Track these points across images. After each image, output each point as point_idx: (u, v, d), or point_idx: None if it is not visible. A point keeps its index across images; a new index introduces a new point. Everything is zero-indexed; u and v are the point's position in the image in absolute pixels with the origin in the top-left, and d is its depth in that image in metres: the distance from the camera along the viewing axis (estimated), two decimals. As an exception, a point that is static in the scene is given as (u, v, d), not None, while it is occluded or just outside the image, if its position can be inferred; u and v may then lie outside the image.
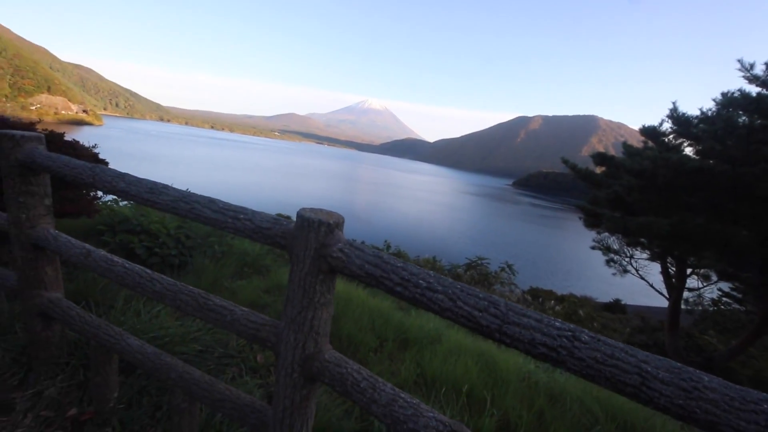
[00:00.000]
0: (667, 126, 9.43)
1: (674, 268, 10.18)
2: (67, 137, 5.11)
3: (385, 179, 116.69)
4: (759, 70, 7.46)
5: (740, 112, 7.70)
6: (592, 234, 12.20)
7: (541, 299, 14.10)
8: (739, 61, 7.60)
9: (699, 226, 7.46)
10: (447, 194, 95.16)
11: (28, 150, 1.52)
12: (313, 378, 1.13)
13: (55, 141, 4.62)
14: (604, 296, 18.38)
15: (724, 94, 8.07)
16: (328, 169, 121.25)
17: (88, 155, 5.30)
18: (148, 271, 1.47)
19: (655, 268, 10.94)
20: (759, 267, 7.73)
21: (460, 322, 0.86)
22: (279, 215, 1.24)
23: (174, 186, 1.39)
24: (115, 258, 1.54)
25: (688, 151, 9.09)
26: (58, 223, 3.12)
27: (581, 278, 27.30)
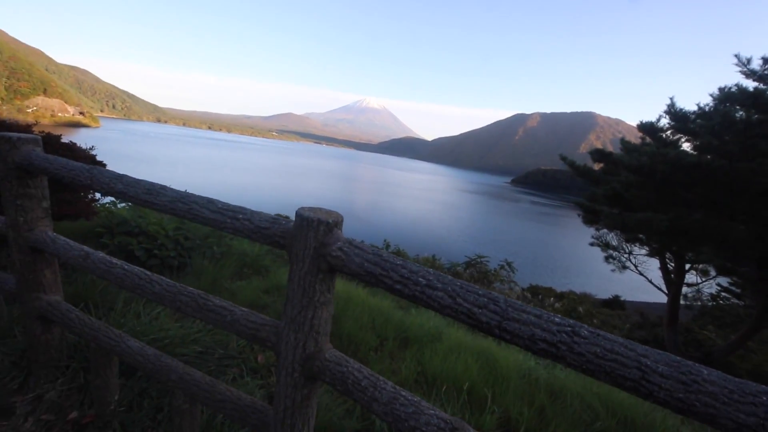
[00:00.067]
0: (665, 122, 9.47)
1: (673, 264, 10.22)
2: (64, 139, 5.10)
3: (383, 178, 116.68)
4: (756, 64, 7.49)
5: (737, 107, 7.72)
6: (591, 231, 12.23)
7: (540, 296, 14.12)
8: (736, 56, 7.62)
9: (697, 221, 7.49)
10: (446, 193, 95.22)
11: (25, 152, 1.51)
12: (314, 377, 1.13)
13: (52, 143, 4.61)
14: (604, 293, 18.43)
15: (721, 89, 8.10)
16: (327, 169, 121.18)
17: (86, 157, 5.29)
18: (148, 272, 1.46)
19: (654, 263, 10.97)
20: (757, 262, 7.76)
21: (460, 319, 0.86)
22: (278, 215, 1.24)
23: (172, 187, 1.39)
24: (114, 260, 1.54)
25: (686, 146, 9.12)
26: (57, 225, 3.11)
27: (580, 275, 27.37)
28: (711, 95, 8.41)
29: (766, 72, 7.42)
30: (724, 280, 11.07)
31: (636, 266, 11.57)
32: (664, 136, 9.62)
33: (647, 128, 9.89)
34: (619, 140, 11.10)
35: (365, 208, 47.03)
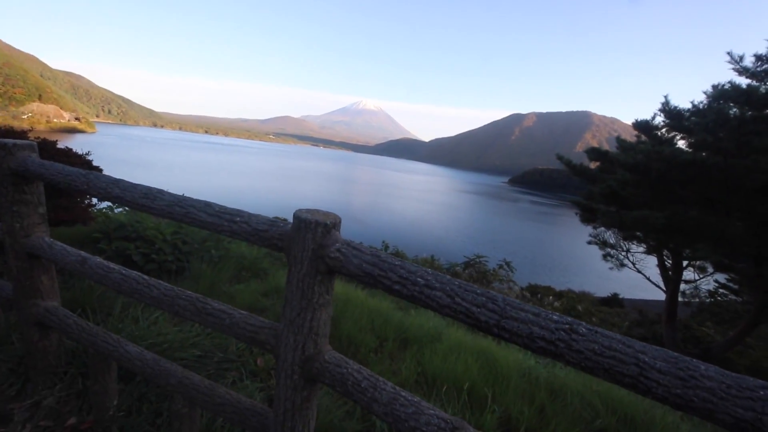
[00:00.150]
0: (660, 120, 9.53)
1: (670, 261, 10.27)
2: (60, 145, 5.09)
3: (381, 180, 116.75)
4: (748, 62, 7.56)
5: (731, 104, 7.79)
6: (589, 229, 12.27)
7: (539, 295, 14.15)
8: (729, 53, 7.69)
9: (693, 218, 7.54)
10: (444, 193, 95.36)
11: (20, 158, 1.51)
12: (314, 379, 1.13)
13: (47, 149, 4.60)
14: (602, 291, 18.49)
15: (715, 87, 8.16)
16: (324, 171, 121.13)
17: (82, 162, 5.28)
18: (145, 277, 1.46)
19: (652, 261, 11.02)
20: (753, 258, 7.81)
21: (458, 319, 0.86)
22: (276, 218, 1.24)
23: (169, 191, 1.39)
24: (112, 265, 1.53)
25: (681, 144, 9.19)
26: (53, 231, 3.09)
27: (579, 273, 27.45)
28: (705, 93, 8.48)
29: (758, 69, 7.49)
30: (721, 277, 11.13)
31: (634, 264, 11.62)
32: (659, 134, 9.69)
33: (642, 126, 9.96)
34: (615, 139, 11.16)
35: (363, 209, 47.03)
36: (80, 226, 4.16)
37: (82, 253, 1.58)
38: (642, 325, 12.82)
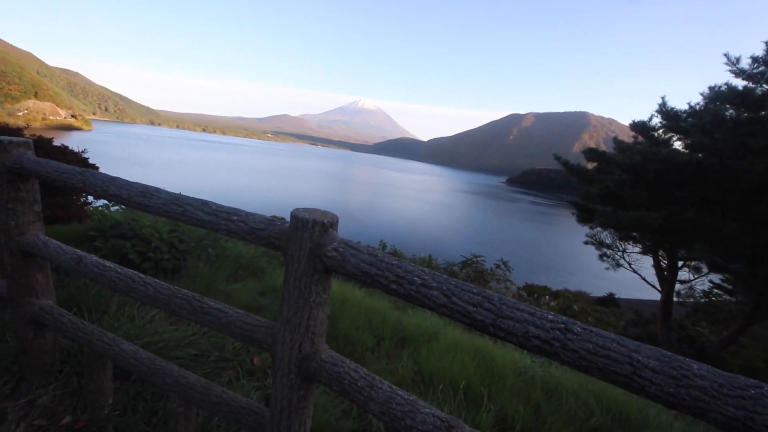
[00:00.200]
0: (657, 121, 9.58)
1: (666, 261, 10.34)
2: (56, 142, 5.06)
3: (379, 179, 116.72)
4: (745, 63, 7.61)
5: (727, 106, 7.84)
6: (586, 229, 12.33)
7: (536, 295, 14.21)
8: (725, 55, 7.74)
9: (689, 219, 7.59)
10: (442, 193, 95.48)
11: (16, 156, 1.50)
12: (310, 378, 1.13)
13: (43, 146, 4.56)
14: (598, 291, 18.60)
15: (711, 88, 8.21)
16: (322, 170, 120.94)
17: (78, 160, 5.25)
18: (141, 275, 1.45)
19: (648, 261, 11.09)
20: (748, 258, 7.87)
21: (455, 318, 0.86)
22: (273, 217, 1.24)
23: (166, 189, 1.38)
24: (108, 263, 1.52)
25: (678, 145, 9.23)
26: (49, 229, 3.07)
27: (575, 273, 27.59)
28: (702, 94, 8.53)
29: (755, 71, 7.54)
30: (716, 277, 11.21)
31: (630, 264, 11.69)
32: (656, 135, 9.74)
33: (639, 127, 10.00)
34: (612, 139, 11.21)
35: (361, 209, 47.02)
36: (76, 224, 4.13)
37: (78, 251, 1.58)
38: (637, 324, 12.91)
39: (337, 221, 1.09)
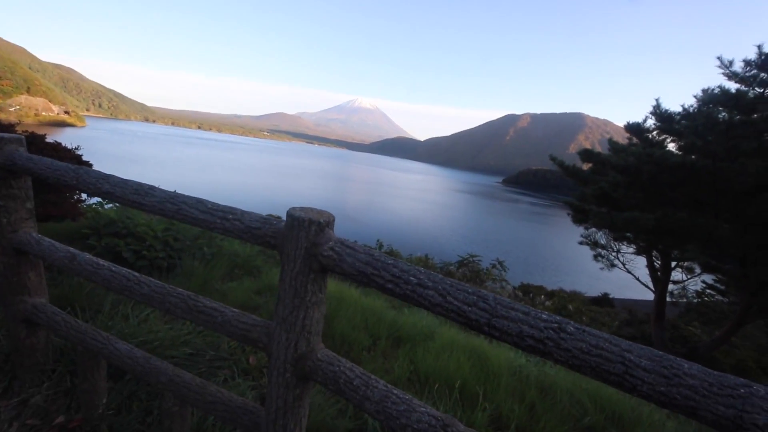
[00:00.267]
0: (651, 122, 9.66)
1: (659, 262, 10.44)
2: (49, 139, 5.00)
3: (376, 178, 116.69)
4: (737, 67, 7.70)
5: (720, 108, 7.93)
6: (580, 229, 12.41)
7: (531, 295, 14.29)
8: (718, 58, 7.83)
9: (682, 220, 7.66)
10: (438, 192, 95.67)
11: (8, 152, 1.48)
12: (306, 377, 1.13)
13: (36, 143, 4.51)
14: (593, 290, 18.74)
15: (704, 91, 8.31)
16: (319, 169, 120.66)
17: (71, 157, 5.19)
18: (136, 274, 1.44)
19: (641, 261, 11.19)
20: (740, 259, 7.98)
21: (450, 317, 0.87)
22: (269, 215, 1.23)
23: (161, 187, 1.37)
24: (101, 261, 1.51)
25: (671, 146, 9.32)
26: (42, 226, 3.04)
27: (570, 273, 27.78)
28: (695, 97, 8.62)
29: (747, 74, 7.63)
30: (708, 278, 11.35)
31: (624, 264, 11.79)
32: (650, 136, 9.82)
33: (634, 129, 10.08)
34: (607, 140, 11.29)
35: (358, 208, 46.98)
36: (69, 221, 4.09)
37: (71, 249, 1.56)
38: (631, 324, 13.04)
39: (334, 220, 1.09)
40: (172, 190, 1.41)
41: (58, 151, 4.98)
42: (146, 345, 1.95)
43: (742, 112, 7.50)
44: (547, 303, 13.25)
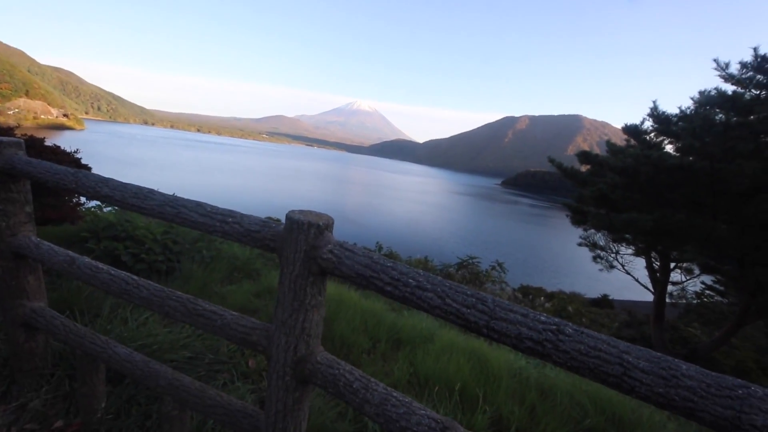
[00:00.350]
0: (648, 124, 9.69)
1: (658, 263, 10.45)
2: (48, 142, 5.00)
3: (375, 180, 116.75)
4: (734, 69, 7.75)
5: (717, 110, 7.97)
6: (579, 231, 12.43)
7: (531, 296, 14.28)
8: (715, 60, 7.88)
9: (680, 221, 7.68)
10: (438, 194, 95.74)
11: (7, 156, 1.48)
12: (306, 380, 1.13)
13: (35, 146, 4.51)
14: (593, 292, 18.72)
15: (701, 93, 8.35)
16: (318, 171, 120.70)
17: (70, 160, 5.19)
18: (135, 277, 1.44)
19: (640, 263, 11.20)
20: (738, 260, 7.99)
21: (449, 320, 0.87)
22: (269, 218, 1.24)
23: (160, 190, 1.38)
24: (101, 265, 1.51)
25: (669, 148, 9.35)
26: (40, 230, 3.04)
27: (570, 275, 27.77)
28: (692, 98, 8.66)
29: (743, 76, 7.68)
30: (708, 279, 11.36)
31: (623, 265, 11.80)
32: (647, 138, 9.85)
33: (632, 131, 10.11)
34: (605, 142, 11.32)
35: (357, 210, 46.97)
36: (68, 225, 4.09)
37: (70, 252, 1.56)
38: (631, 325, 13.03)
39: (333, 223, 1.09)
40: (171, 194, 1.41)
41: (57, 154, 4.98)
42: (145, 348, 1.95)
43: (738, 113, 7.54)
44: (547, 305, 13.24)
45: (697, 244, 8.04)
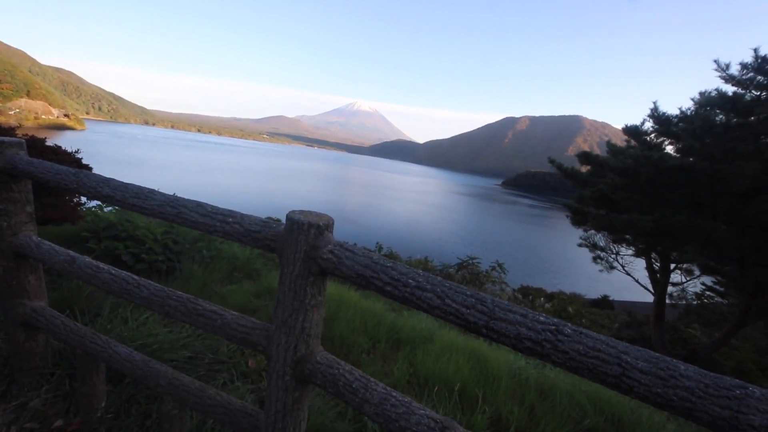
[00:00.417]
0: (649, 125, 9.69)
1: (658, 264, 10.45)
2: (49, 142, 5.01)
3: (376, 181, 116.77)
4: (734, 70, 7.75)
5: (717, 111, 7.97)
6: (580, 232, 12.42)
7: (531, 297, 14.28)
8: (715, 61, 7.88)
9: (680, 222, 7.68)
10: (438, 195, 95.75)
11: (8, 156, 1.49)
12: (305, 380, 1.14)
13: (36, 146, 4.52)
14: (593, 293, 18.71)
15: (701, 94, 8.35)
16: (318, 172, 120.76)
17: (71, 160, 5.20)
18: (135, 277, 1.45)
19: (640, 263, 11.19)
20: (738, 261, 7.99)
21: (448, 320, 0.87)
22: (269, 218, 1.24)
23: (160, 190, 1.38)
24: (101, 264, 1.51)
25: (669, 149, 9.35)
26: (41, 230, 3.04)
27: (570, 275, 27.75)
28: (692, 99, 8.67)
29: (744, 77, 7.68)
30: (708, 279, 11.35)
31: (623, 266, 11.80)
32: (648, 139, 9.85)
33: (632, 131, 10.11)
34: (606, 143, 11.32)
35: (358, 210, 46.97)
36: (69, 224, 4.09)
37: (71, 252, 1.57)
38: (631, 326, 13.03)
39: (333, 223, 1.10)
40: (172, 194, 1.41)
41: (58, 154, 4.99)
42: (145, 348, 1.95)
43: (739, 114, 7.54)
44: (547, 305, 13.24)
45: (698, 245, 8.04)
